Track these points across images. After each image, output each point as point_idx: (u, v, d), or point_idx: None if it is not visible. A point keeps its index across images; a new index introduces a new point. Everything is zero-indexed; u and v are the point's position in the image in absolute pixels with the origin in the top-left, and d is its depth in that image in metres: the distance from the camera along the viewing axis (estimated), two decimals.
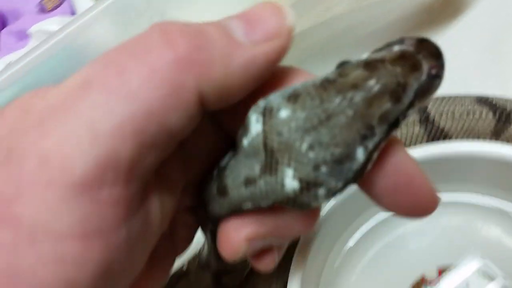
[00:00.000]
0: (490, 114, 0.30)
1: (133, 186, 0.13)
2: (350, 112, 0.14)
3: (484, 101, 0.31)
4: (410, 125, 0.31)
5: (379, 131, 0.14)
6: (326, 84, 0.14)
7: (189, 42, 0.13)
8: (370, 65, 0.14)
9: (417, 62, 0.15)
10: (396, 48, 0.15)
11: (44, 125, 0.13)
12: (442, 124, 0.30)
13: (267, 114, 0.15)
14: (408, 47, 0.15)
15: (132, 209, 0.14)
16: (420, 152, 0.28)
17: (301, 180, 0.14)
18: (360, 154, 0.14)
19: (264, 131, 0.15)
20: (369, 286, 0.30)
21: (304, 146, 0.14)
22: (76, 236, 0.12)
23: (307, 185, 0.14)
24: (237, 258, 0.16)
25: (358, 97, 0.14)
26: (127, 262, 0.14)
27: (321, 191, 0.14)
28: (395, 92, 0.14)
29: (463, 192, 0.30)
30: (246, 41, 0.14)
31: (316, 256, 0.28)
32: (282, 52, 0.15)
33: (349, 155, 0.14)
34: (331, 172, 0.14)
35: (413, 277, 0.29)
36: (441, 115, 0.31)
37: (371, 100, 0.14)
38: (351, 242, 0.31)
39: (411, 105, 0.15)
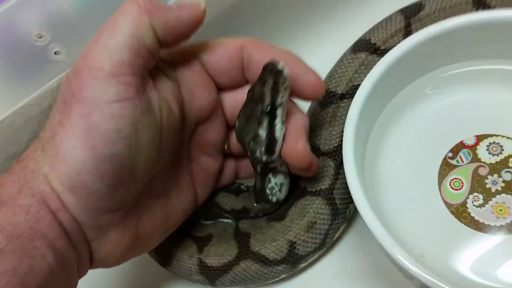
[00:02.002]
0: None
1: (136, 77, 0.24)
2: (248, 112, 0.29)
3: None
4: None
5: (264, 118, 0.28)
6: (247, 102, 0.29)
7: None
8: (252, 89, 0.28)
9: (264, 82, 0.27)
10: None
11: (92, 43, 0.24)
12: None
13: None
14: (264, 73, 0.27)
15: (139, 90, 0.24)
16: (466, 18, 0.31)
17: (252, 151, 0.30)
18: (262, 132, 0.28)
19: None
20: (413, 147, 0.34)
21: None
22: (116, 101, 0.23)
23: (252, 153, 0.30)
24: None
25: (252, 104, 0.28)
26: (146, 127, 0.24)
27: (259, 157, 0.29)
28: (260, 98, 0.27)
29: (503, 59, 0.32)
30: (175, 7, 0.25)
31: (368, 112, 0.32)
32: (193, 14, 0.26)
33: (256, 134, 0.29)
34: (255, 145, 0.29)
35: (453, 142, 0.33)
36: None
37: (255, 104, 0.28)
38: (397, 110, 0.35)
39: (272, 101, 0.27)
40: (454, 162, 0.32)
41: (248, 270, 0.32)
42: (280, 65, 0.27)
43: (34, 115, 0.33)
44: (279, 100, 0.27)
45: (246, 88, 0.29)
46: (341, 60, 0.37)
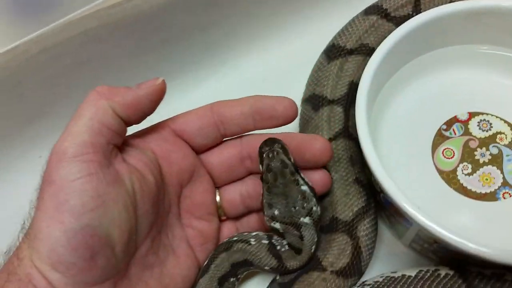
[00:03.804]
0: None
1: (98, 154, 0.26)
2: (279, 191, 0.30)
3: None
4: None
5: (297, 176, 0.30)
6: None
7: (104, 87, 0.27)
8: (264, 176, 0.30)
9: (272, 157, 0.29)
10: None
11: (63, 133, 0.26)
12: None
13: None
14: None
15: (102, 165, 0.26)
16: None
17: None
18: (304, 187, 0.30)
19: None
20: (411, 117, 0.35)
21: None
22: (79, 178, 0.25)
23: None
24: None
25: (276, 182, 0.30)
26: (115, 197, 0.26)
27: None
28: (282, 165, 0.29)
29: (504, 46, 0.35)
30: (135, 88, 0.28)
31: (378, 75, 0.33)
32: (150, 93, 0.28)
33: (303, 193, 0.30)
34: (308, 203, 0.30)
35: (448, 116, 0.35)
36: None
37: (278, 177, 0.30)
38: (401, 81, 0.36)
39: (289, 159, 0.30)
40: (447, 133, 0.34)
41: None
42: (267, 139, 0.30)
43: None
44: (291, 157, 0.30)
45: (227, 144, 0.32)
46: (352, 20, 0.37)
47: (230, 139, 0.32)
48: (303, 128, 0.35)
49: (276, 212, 0.30)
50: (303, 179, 0.30)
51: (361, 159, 0.34)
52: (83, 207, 0.24)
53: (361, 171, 0.33)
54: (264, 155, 0.29)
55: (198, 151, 0.32)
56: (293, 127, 0.35)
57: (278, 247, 0.30)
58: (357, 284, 0.31)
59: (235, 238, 0.31)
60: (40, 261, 0.24)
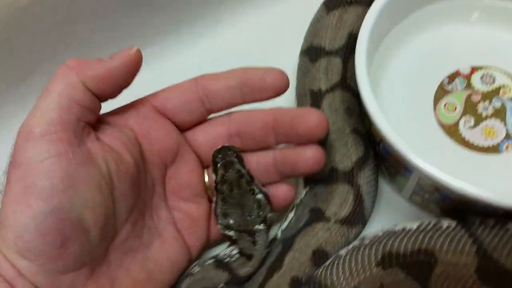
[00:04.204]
0: None
1: (68, 132, 0.24)
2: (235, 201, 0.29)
3: None
4: None
5: (253, 185, 0.29)
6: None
7: (74, 60, 0.26)
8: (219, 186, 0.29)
9: (226, 166, 0.29)
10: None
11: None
12: None
13: None
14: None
15: (72, 144, 0.24)
16: None
17: None
18: (260, 196, 0.29)
19: None
20: (412, 71, 0.34)
21: None
22: (47, 158, 0.23)
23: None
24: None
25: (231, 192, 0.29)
26: (86, 178, 0.24)
27: None
28: (238, 175, 0.29)
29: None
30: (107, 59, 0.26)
31: (378, 27, 0.32)
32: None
33: (258, 202, 0.29)
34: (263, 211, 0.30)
35: (450, 70, 0.34)
36: None
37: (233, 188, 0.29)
38: (402, 34, 0.35)
39: (244, 167, 0.29)
40: (449, 88, 0.34)
41: None
42: (220, 147, 0.29)
43: None
44: (245, 164, 0.29)
45: (214, 121, 0.30)
46: None
47: (218, 116, 0.31)
48: (301, 81, 0.34)
49: (231, 222, 0.29)
50: (257, 186, 0.29)
51: (359, 110, 0.33)
52: (52, 189, 0.23)
53: (359, 121, 0.32)
54: (219, 165, 0.28)
55: (183, 128, 0.30)
56: (285, 101, 0.33)
57: (226, 259, 0.30)
58: (358, 238, 0.30)
59: (184, 275, 0.30)
60: (7, 249, 0.23)
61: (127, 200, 0.27)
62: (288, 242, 0.30)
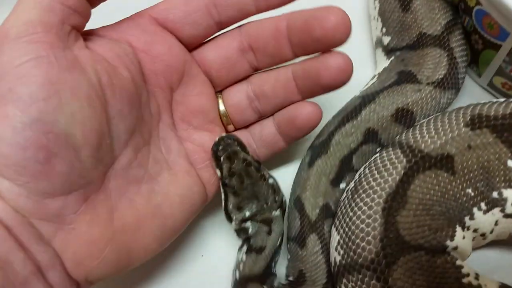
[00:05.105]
0: None
1: (50, 34, 0.21)
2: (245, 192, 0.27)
3: None
4: None
5: (263, 170, 0.27)
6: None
7: None
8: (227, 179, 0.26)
9: (229, 157, 0.26)
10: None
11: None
12: None
13: None
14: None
15: (55, 47, 0.21)
16: None
17: None
18: (271, 180, 0.27)
19: None
20: None
21: None
22: (26, 61, 0.20)
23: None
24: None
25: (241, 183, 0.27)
26: (72, 87, 0.21)
27: None
28: (246, 164, 0.26)
29: None
30: None
31: None
32: None
33: (271, 186, 0.27)
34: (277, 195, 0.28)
35: None
36: None
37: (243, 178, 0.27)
38: None
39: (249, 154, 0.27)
40: None
41: None
42: (218, 138, 0.26)
43: None
44: (248, 150, 0.27)
45: (224, 35, 0.27)
46: None
47: (228, 30, 0.27)
48: None
49: (248, 213, 0.27)
50: (265, 171, 0.27)
51: None
52: (31, 97, 0.20)
53: None
54: (222, 158, 0.26)
55: (189, 45, 0.27)
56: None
57: (236, 271, 0.27)
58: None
59: None
60: None
61: (125, 121, 0.24)
62: (369, 97, 0.29)
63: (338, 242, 0.25)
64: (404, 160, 0.25)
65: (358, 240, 0.24)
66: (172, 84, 0.26)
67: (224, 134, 0.27)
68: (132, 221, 0.24)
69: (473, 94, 0.33)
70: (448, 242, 0.24)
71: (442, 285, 0.22)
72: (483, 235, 0.25)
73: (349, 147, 0.28)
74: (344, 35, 0.24)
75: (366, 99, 0.29)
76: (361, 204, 0.25)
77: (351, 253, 0.24)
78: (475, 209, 0.25)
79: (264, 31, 0.26)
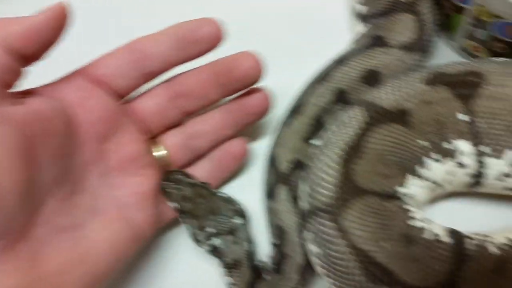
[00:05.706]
0: None
1: None
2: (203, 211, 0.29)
3: None
4: None
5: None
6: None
7: None
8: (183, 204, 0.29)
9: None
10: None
11: None
12: None
13: None
14: None
15: None
16: None
17: None
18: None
19: None
20: None
21: None
22: None
23: None
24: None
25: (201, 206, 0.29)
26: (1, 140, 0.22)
27: None
28: (206, 190, 0.30)
29: None
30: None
31: None
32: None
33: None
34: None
35: None
36: None
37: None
38: None
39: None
40: None
41: None
42: (163, 174, 0.29)
43: None
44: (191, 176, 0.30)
45: (155, 87, 0.30)
46: None
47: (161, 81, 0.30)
48: None
49: (210, 229, 0.29)
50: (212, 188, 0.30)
51: None
52: None
53: None
54: (171, 190, 0.29)
55: (122, 96, 0.29)
56: None
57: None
58: None
59: None
60: None
61: (52, 171, 0.25)
62: (342, 61, 0.31)
63: (304, 191, 0.28)
64: (365, 115, 0.27)
65: (318, 188, 0.26)
66: (105, 134, 0.28)
67: (167, 170, 0.30)
68: (56, 268, 0.24)
69: (449, 59, 0.34)
70: (398, 188, 0.26)
71: (389, 226, 0.24)
72: (436, 183, 0.27)
73: (322, 107, 0.31)
74: (257, 74, 0.29)
75: (339, 62, 0.32)
76: (323, 156, 0.27)
77: (311, 200, 0.27)
78: (425, 158, 0.27)
79: (191, 77, 0.30)
